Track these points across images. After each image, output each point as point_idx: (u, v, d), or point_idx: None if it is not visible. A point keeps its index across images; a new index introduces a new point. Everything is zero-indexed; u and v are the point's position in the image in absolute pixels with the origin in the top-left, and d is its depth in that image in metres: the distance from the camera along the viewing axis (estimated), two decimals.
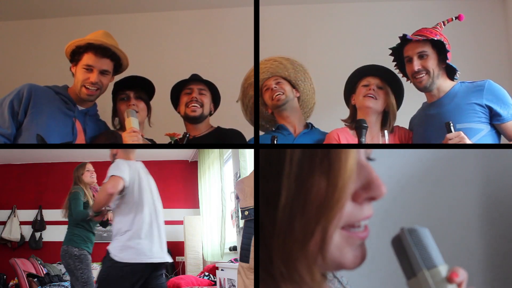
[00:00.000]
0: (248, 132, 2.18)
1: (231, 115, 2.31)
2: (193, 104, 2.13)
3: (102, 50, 1.92)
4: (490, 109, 1.84)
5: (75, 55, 1.93)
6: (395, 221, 1.95)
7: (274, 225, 0.60)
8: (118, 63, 2.00)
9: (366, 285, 1.96)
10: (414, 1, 2.90)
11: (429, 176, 2.19)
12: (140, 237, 1.96)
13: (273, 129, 2.23)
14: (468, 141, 1.72)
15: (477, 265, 2.15)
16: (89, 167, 2.86)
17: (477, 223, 2.19)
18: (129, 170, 2.01)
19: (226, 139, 2.17)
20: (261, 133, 2.28)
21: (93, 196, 2.80)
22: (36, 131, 1.81)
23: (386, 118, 2.03)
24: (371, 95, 1.99)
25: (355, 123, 1.93)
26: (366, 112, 2.00)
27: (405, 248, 0.70)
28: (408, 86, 2.03)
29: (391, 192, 1.95)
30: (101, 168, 4.99)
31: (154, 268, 1.98)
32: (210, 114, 2.23)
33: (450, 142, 1.71)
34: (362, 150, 0.64)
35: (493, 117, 1.85)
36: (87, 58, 1.90)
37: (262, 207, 0.61)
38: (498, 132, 1.88)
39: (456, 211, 2.17)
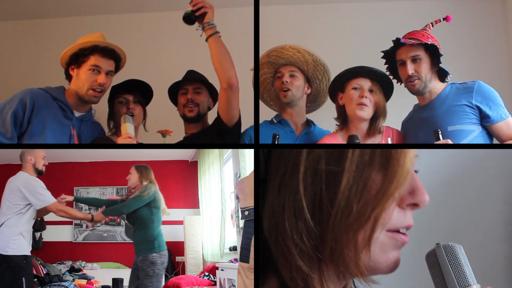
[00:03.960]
0: (249, 121, 2.09)
1: None
2: (189, 105, 2.13)
3: (108, 52, 1.91)
4: (480, 110, 1.84)
5: (79, 57, 1.90)
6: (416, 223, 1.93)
7: (332, 204, 0.62)
8: (118, 64, 1.99)
9: None
10: (413, 1, 2.90)
11: (448, 177, 2.17)
12: None
13: (275, 121, 2.17)
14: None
15: (501, 267, 2.13)
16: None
17: (501, 226, 2.16)
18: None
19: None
20: (262, 121, 2.21)
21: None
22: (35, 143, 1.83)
23: (375, 118, 2.00)
24: (364, 104, 1.95)
25: (348, 139, 1.92)
26: (358, 121, 1.99)
27: (439, 265, 0.71)
28: (400, 89, 2.02)
29: None
30: (101, 168, 5.03)
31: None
32: (209, 109, 2.22)
33: None
34: None
35: (483, 119, 1.85)
36: (95, 60, 1.89)
37: (323, 186, 0.63)
38: (490, 133, 1.88)
39: (480, 214, 2.14)
